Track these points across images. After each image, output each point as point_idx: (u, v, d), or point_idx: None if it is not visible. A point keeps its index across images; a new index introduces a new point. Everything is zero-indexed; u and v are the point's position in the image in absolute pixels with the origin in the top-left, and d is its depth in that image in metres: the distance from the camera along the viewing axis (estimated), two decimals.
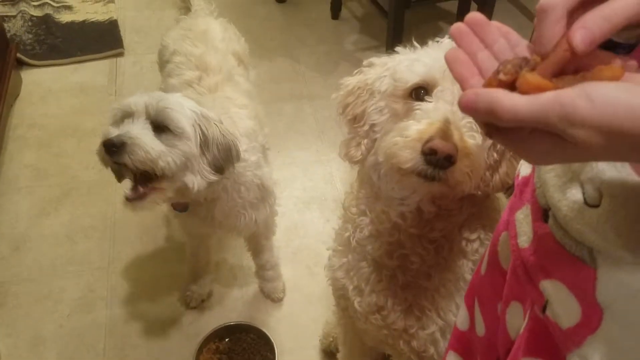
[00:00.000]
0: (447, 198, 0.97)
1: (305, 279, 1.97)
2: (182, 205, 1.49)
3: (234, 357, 1.69)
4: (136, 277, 1.96)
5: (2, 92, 2.37)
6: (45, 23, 2.99)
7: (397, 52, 1.02)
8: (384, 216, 1.03)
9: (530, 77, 0.44)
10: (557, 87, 0.43)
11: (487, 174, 0.96)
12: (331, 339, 1.71)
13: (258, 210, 1.55)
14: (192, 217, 1.54)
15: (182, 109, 1.27)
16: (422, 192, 0.95)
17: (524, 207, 0.63)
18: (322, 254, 1.97)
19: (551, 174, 0.57)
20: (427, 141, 0.81)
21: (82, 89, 2.71)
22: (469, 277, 1.03)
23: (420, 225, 1.00)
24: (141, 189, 1.27)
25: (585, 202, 0.52)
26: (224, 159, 1.33)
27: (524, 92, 0.44)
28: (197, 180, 1.30)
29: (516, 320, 0.66)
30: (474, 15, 0.52)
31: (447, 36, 0.94)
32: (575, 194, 0.53)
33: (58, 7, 3.11)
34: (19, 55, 2.71)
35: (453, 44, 0.53)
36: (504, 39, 0.51)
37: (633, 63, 0.46)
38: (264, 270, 1.86)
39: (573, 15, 0.47)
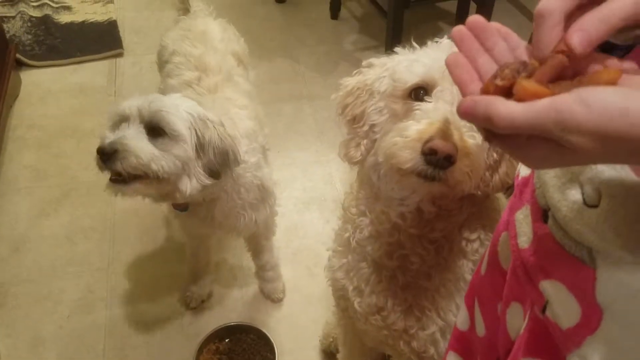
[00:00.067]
0: (447, 198, 0.98)
1: (305, 280, 1.97)
2: (182, 205, 1.48)
3: (234, 358, 1.69)
4: (136, 278, 1.96)
5: (1, 92, 2.37)
6: (45, 24, 2.98)
7: (396, 53, 1.02)
8: (384, 216, 1.03)
9: (527, 84, 0.45)
10: (553, 93, 0.43)
11: (487, 174, 0.96)
12: (331, 340, 1.71)
13: (258, 210, 1.55)
14: (192, 218, 1.54)
15: (177, 111, 1.26)
16: (422, 192, 0.95)
17: (524, 208, 0.63)
18: (322, 255, 1.97)
19: (550, 174, 0.57)
20: (427, 141, 0.81)
21: (81, 90, 2.71)
22: (469, 277, 1.03)
23: (420, 226, 1.00)
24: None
25: (585, 203, 0.52)
26: (219, 163, 1.32)
27: (520, 99, 0.44)
28: (191, 183, 1.30)
29: (516, 320, 0.66)
30: (475, 18, 0.52)
31: (446, 36, 0.95)
32: (575, 194, 0.53)
33: (57, 8, 3.11)
34: (18, 55, 2.71)
35: (452, 44, 0.53)
36: (504, 41, 0.51)
37: (630, 65, 0.46)
38: (264, 271, 1.86)
39: (570, 18, 0.47)
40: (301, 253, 2.05)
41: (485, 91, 0.47)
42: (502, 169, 0.96)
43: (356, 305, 1.11)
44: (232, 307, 1.90)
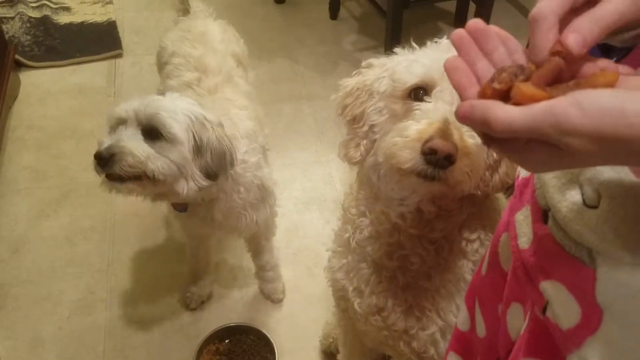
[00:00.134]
0: (447, 198, 0.97)
1: (305, 280, 1.97)
2: (182, 206, 1.49)
3: (234, 359, 1.69)
4: (136, 279, 1.96)
5: (0, 93, 2.37)
6: (44, 24, 2.98)
7: (395, 53, 1.02)
8: (384, 217, 1.02)
9: (524, 88, 0.45)
10: (550, 96, 0.44)
11: (487, 174, 0.96)
12: (331, 340, 1.71)
13: (258, 211, 1.55)
14: (192, 218, 1.54)
15: (175, 113, 1.26)
16: (422, 192, 0.95)
17: (524, 208, 0.63)
18: (322, 255, 1.97)
19: (550, 175, 0.57)
20: (427, 141, 0.81)
21: (80, 91, 2.71)
22: (469, 277, 1.03)
23: (420, 226, 1.00)
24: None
25: (584, 203, 0.52)
26: (216, 165, 1.32)
27: (518, 103, 0.44)
28: (188, 185, 1.30)
29: (517, 321, 0.66)
30: (475, 22, 0.52)
31: (445, 37, 0.95)
32: (575, 195, 0.53)
33: (56, 9, 3.11)
34: (17, 56, 2.71)
35: (451, 45, 0.54)
36: (503, 46, 0.51)
37: (625, 70, 0.46)
38: (264, 271, 1.86)
39: (564, 21, 0.48)
40: (301, 253, 2.05)
41: (482, 94, 0.48)
42: (502, 169, 0.96)
43: (356, 305, 1.11)
44: (232, 307, 1.90)
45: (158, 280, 1.96)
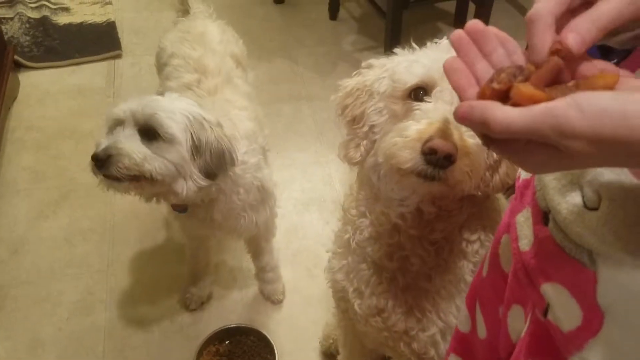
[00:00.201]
0: (447, 198, 0.97)
1: (305, 281, 1.96)
2: (182, 207, 1.48)
3: None
4: (135, 280, 1.96)
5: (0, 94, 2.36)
6: (43, 25, 2.98)
7: (395, 54, 1.02)
8: (384, 217, 1.02)
9: (524, 88, 0.45)
10: (550, 97, 0.43)
11: (487, 174, 0.96)
12: (331, 341, 1.71)
13: (258, 212, 1.55)
14: (192, 219, 1.53)
15: (172, 113, 1.26)
16: (422, 193, 0.95)
17: (525, 210, 0.62)
18: (322, 256, 1.97)
19: (551, 177, 0.57)
20: (427, 141, 0.81)
21: (79, 91, 2.70)
22: (469, 278, 1.03)
23: (421, 227, 1.00)
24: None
25: (585, 205, 0.52)
26: (215, 165, 1.32)
27: (517, 103, 0.44)
28: (187, 185, 1.30)
29: (518, 323, 0.66)
30: (474, 23, 0.52)
31: (445, 37, 0.94)
32: (575, 197, 0.53)
33: (55, 9, 3.11)
34: (16, 57, 2.70)
35: (451, 46, 0.53)
36: (502, 47, 0.51)
37: (624, 73, 0.46)
38: (264, 272, 1.86)
39: (562, 23, 0.48)
40: (301, 254, 2.05)
41: (481, 95, 0.48)
42: (503, 169, 0.96)
43: (356, 307, 1.11)
44: (231, 308, 1.90)
45: (158, 281, 1.95)
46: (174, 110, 1.27)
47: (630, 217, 0.49)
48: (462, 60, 0.52)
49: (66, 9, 3.13)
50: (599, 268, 0.51)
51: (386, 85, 0.97)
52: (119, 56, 2.89)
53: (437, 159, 0.80)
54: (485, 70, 0.50)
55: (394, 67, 0.98)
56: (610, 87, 0.44)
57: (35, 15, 3.03)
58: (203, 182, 1.32)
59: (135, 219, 2.13)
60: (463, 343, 0.86)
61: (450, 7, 3.09)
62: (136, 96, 1.32)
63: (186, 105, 1.31)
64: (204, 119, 1.31)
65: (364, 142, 1.00)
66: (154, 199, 1.39)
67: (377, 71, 1.01)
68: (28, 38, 2.91)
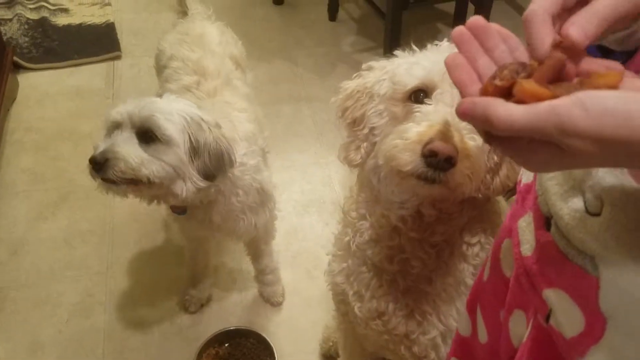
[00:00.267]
0: (447, 201, 0.97)
1: (305, 283, 1.96)
2: (181, 208, 1.48)
3: None
4: (135, 282, 1.95)
5: None
6: (42, 26, 2.97)
7: (395, 56, 1.02)
8: (384, 220, 1.02)
9: (527, 85, 0.44)
10: (554, 94, 0.43)
11: (488, 176, 0.95)
12: (331, 344, 1.70)
13: (257, 214, 1.55)
14: (191, 221, 1.53)
15: (170, 115, 1.26)
16: (423, 195, 0.95)
17: (527, 215, 0.62)
18: (321, 258, 1.97)
19: (552, 181, 0.56)
20: (427, 143, 0.80)
21: (78, 93, 2.70)
22: (469, 281, 1.02)
23: (421, 229, 0.99)
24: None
25: (587, 211, 0.52)
26: (214, 166, 1.32)
27: (520, 100, 0.44)
28: (186, 186, 1.30)
29: (519, 328, 0.65)
30: (476, 19, 0.52)
31: (445, 39, 0.94)
32: (577, 202, 0.53)
33: (54, 10, 3.10)
34: (15, 58, 2.70)
35: (452, 48, 0.53)
36: (504, 43, 0.51)
37: (628, 74, 0.46)
38: (264, 275, 1.86)
39: (558, 23, 0.48)
40: (300, 256, 2.04)
41: (484, 92, 0.47)
42: (503, 171, 0.96)
43: (356, 310, 1.11)
44: (231, 310, 1.89)
45: (157, 283, 1.95)
46: (172, 112, 1.27)
47: (633, 222, 0.48)
48: (464, 56, 0.51)
49: (65, 10, 3.12)
50: (601, 274, 0.51)
51: (386, 87, 0.97)
52: (118, 57, 2.89)
53: (438, 161, 0.80)
54: (487, 66, 0.50)
55: (394, 69, 0.98)
56: (614, 86, 0.43)
57: (34, 16, 3.03)
58: (202, 184, 1.31)
59: (135, 220, 2.13)
60: (464, 347, 0.86)
61: (450, 8, 3.09)
62: (135, 97, 1.32)
63: (184, 106, 1.30)
64: (202, 119, 1.30)
65: (364, 144, 1.00)
66: (154, 200, 1.39)
67: (377, 73, 1.01)
68: (27, 39, 2.90)
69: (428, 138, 0.81)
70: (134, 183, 1.26)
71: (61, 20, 3.06)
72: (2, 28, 2.75)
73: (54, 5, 3.12)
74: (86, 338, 1.80)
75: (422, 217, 0.98)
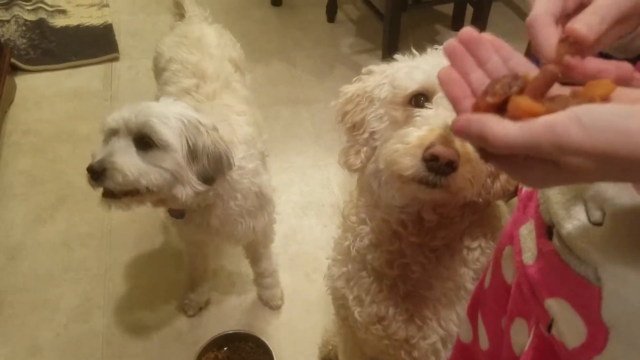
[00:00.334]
0: (448, 205, 0.96)
1: (304, 286, 1.96)
2: (178, 212, 1.47)
3: None
4: (133, 285, 1.95)
5: None
6: (40, 27, 2.97)
7: (395, 60, 1.01)
8: (384, 224, 1.01)
9: (522, 102, 0.44)
10: (549, 110, 0.42)
11: (488, 180, 0.95)
12: (330, 347, 1.70)
13: (256, 218, 1.54)
14: (189, 225, 1.52)
15: (166, 119, 1.25)
16: (424, 200, 0.94)
17: (528, 223, 0.62)
18: (320, 260, 1.97)
19: (555, 190, 0.56)
20: (428, 147, 0.80)
21: (76, 94, 2.69)
22: (470, 286, 1.02)
23: (422, 234, 0.99)
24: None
25: (589, 221, 0.51)
26: (213, 169, 1.31)
27: (515, 117, 0.43)
28: (185, 190, 1.29)
29: (521, 336, 0.65)
30: (467, 31, 0.52)
31: (445, 42, 0.94)
32: (579, 211, 0.53)
33: (52, 12, 3.09)
34: (13, 60, 2.69)
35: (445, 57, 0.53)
36: (497, 54, 0.51)
37: (627, 67, 0.46)
38: (262, 278, 1.85)
39: (561, 26, 0.48)
40: (299, 258, 2.04)
41: (476, 109, 0.47)
42: (503, 175, 0.95)
43: (356, 314, 1.10)
44: (230, 314, 1.89)
45: (156, 286, 1.94)
46: (168, 116, 1.25)
47: (635, 232, 0.48)
48: (456, 70, 0.51)
49: (63, 12, 3.11)
50: (603, 284, 0.50)
51: (386, 91, 0.96)
52: (116, 59, 2.88)
53: (439, 165, 0.80)
54: (480, 80, 0.50)
55: (394, 73, 0.97)
56: (608, 96, 0.43)
57: (31, 17, 3.02)
58: (200, 188, 1.31)
59: (133, 223, 2.12)
60: (465, 353, 0.86)
61: (448, 9, 3.09)
62: (133, 99, 1.31)
63: (181, 110, 1.30)
64: (200, 122, 1.29)
65: (365, 148, 0.99)
66: (158, 205, 1.39)
67: (377, 77, 1.01)
68: (24, 41, 2.89)
69: (429, 142, 0.80)
70: (133, 194, 1.25)
71: (59, 21, 3.05)
72: None
73: (51, 6, 3.11)
74: (85, 342, 1.80)
75: (423, 221, 0.98)
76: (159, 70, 1.76)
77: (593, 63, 0.46)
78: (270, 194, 1.59)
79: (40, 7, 3.08)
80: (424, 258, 1.00)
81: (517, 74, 0.47)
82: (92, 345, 1.79)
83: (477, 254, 1.02)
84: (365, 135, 0.99)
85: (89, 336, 1.81)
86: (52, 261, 2.01)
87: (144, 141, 1.24)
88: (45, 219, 2.14)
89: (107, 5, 3.18)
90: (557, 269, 0.55)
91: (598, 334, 0.51)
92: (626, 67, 0.46)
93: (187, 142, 1.26)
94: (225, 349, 1.71)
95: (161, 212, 1.98)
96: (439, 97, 0.89)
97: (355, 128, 1.01)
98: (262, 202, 1.54)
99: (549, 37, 0.47)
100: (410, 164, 0.82)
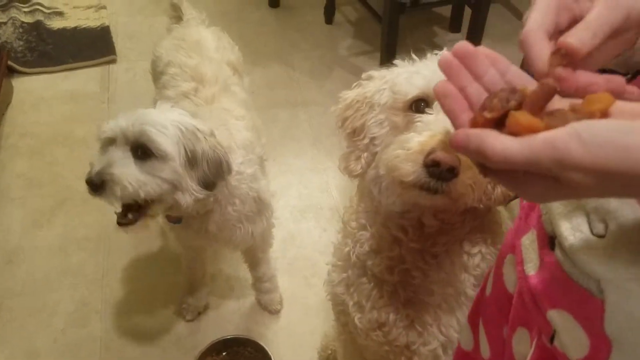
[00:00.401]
0: (449, 211, 0.96)
1: (302, 290, 1.95)
2: (176, 218, 1.46)
3: None
4: (131, 290, 1.94)
5: None
6: (37, 30, 2.95)
7: (395, 65, 1.01)
8: (385, 230, 1.01)
9: (521, 117, 0.43)
10: (548, 125, 0.42)
11: (489, 186, 0.94)
12: (329, 352, 1.69)
13: (254, 223, 1.53)
14: (187, 230, 1.52)
15: (163, 127, 1.24)
16: (425, 206, 0.94)
17: (530, 232, 0.61)
18: (319, 264, 1.96)
19: (556, 202, 0.55)
20: (429, 153, 0.79)
21: (73, 97, 2.68)
22: (470, 292, 1.02)
23: (422, 240, 0.99)
24: (130, 216, 1.29)
25: (592, 233, 0.51)
26: (214, 174, 1.31)
27: (514, 133, 0.43)
28: (185, 198, 1.28)
29: (522, 346, 0.65)
30: (462, 45, 0.51)
31: (445, 49, 0.93)
32: (581, 223, 0.52)
33: (49, 14, 3.08)
34: (10, 62, 2.68)
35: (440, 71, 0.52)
36: (493, 67, 0.50)
37: (631, 89, 0.45)
38: (261, 282, 1.84)
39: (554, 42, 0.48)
40: (298, 262, 2.03)
41: (474, 124, 0.46)
42: None
43: (357, 320, 1.10)
44: (229, 318, 1.88)
45: (154, 291, 1.94)
46: (165, 124, 1.24)
47: (637, 245, 0.48)
48: (453, 84, 0.51)
49: (60, 14, 3.10)
50: (606, 297, 0.50)
51: (387, 96, 0.96)
52: (113, 61, 2.87)
53: (440, 171, 0.79)
54: (477, 93, 0.49)
55: (394, 78, 0.97)
56: (607, 111, 0.42)
57: (28, 19, 3.01)
58: (200, 195, 1.30)
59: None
60: None
61: (447, 11, 3.09)
62: (130, 102, 1.31)
63: (178, 116, 1.29)
64: (197, 129, 1.28)
65: (365, 154, 0.99)
66: (167, 212, 1.40)
67: (377, 82, 1.00)
68: (21, 43, 2.88)
69: (430, 148, 0.80)
70: (141, 211, 1.27)
71: (56, 23, 3.04)
72: None
73: (48, 8, 3.10)
74: (82, 347, 1.79)
75: (423, 227, 0.98)
76: (157, 74, 1.75)
77: (584, 76, 0.47)
78: (269, 199, 1.58)
79: (38, 9, 3.06)
80: (424, 264, 1.00)
81: (514, 88, 0.47)
82: (90, 350, 1.78)
83: (477, 260, 1.02)
84: (366, 140, 0.99)
85: (87, 341, 1.80)
86: (49, 265, 2.00)
87: (142, 150, 1.23)
88: (43, 223, 2.13)
89: (104, 7, 3.17)
90: (560, 280, 0.54)
91: (601, 346, 0.50)
92: (617, 80, 0.46)
93: (185, 149, 1.25)
94: (224, 353, 1.70)
95: (159, 217, 1.97)
96: None
97: (355, 134, 1.01)
98: (261, 207, 1.54)
99: (542, 51, 0.47)
100: (411, 169, 0.81)
